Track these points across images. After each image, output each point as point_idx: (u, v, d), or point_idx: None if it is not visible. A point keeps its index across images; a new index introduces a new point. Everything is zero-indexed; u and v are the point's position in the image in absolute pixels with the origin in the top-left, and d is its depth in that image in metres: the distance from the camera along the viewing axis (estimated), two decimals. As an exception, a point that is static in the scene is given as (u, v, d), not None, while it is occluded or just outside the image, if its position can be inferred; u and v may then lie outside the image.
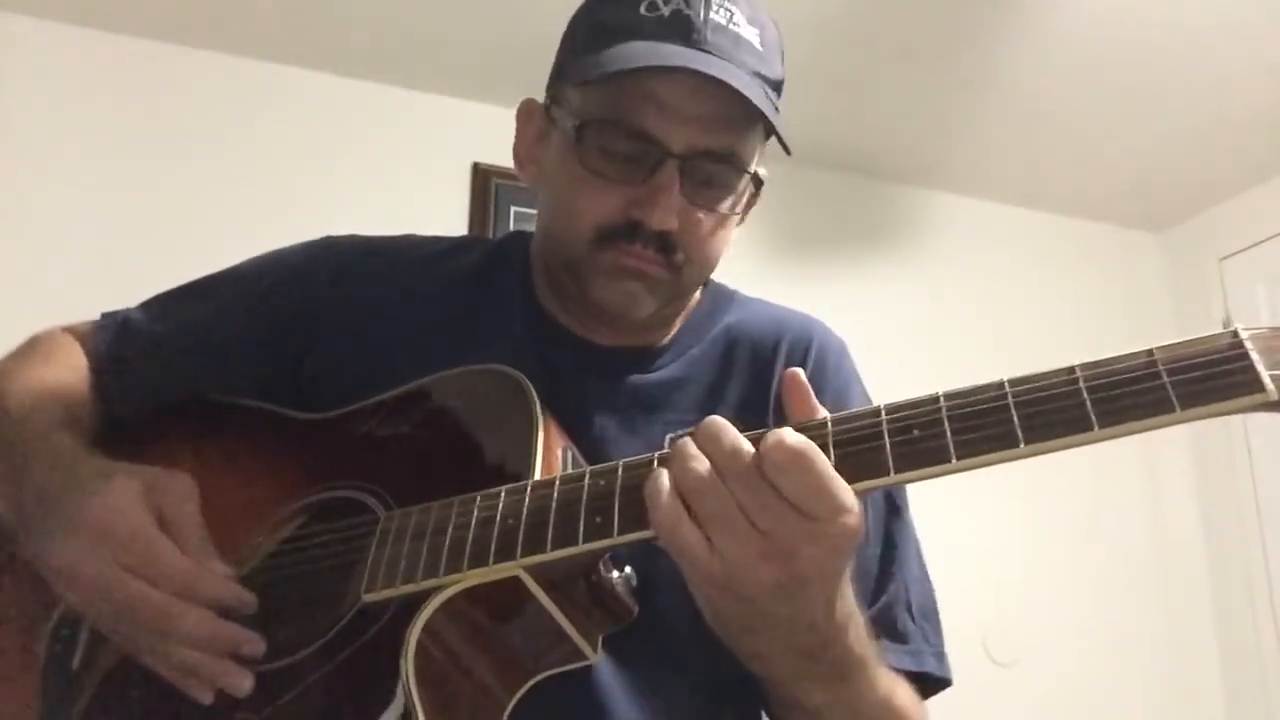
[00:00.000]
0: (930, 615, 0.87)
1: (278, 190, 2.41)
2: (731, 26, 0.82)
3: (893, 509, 0.89)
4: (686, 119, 0.80)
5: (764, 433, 0.59)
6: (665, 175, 0.80)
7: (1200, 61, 2.45)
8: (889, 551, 0.87)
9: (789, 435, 0.58)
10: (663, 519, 0.59)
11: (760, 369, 0.92)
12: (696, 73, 0.77)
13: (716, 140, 0.81)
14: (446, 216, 2.53)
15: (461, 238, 1.02)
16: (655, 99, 0.79)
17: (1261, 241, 2.97)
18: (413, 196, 2.51)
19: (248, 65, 2.47)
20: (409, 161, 2.55)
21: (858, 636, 0.66)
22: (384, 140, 2.54)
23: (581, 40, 0.85)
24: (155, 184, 2.34)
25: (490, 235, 2.53)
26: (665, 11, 0.81)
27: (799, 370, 0.65)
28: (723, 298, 0.98)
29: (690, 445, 0.60)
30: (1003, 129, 2.77)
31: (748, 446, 0.59)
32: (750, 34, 0.83)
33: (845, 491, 0.58)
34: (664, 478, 0.60)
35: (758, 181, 0.87)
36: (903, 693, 0.77)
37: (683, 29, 0.80)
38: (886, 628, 0.83)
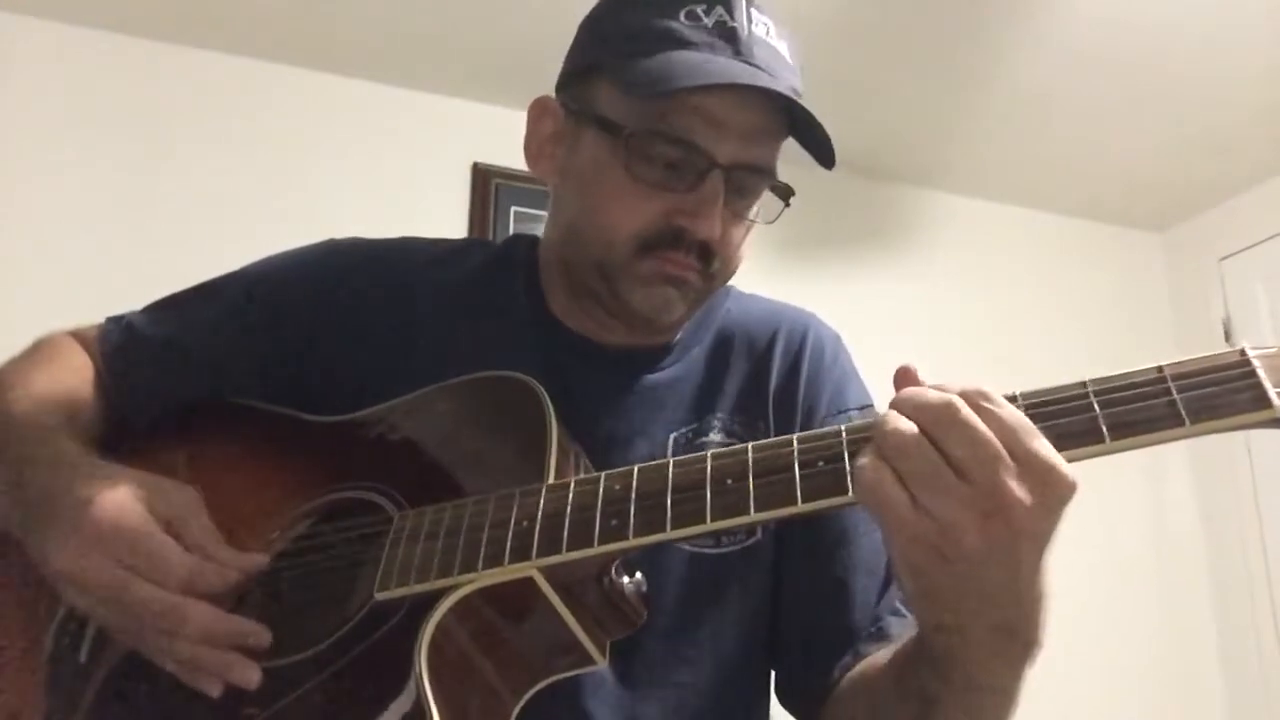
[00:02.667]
0: None
1: (278, 190, 2.41)
2: (769, 39, 0.83)
3: None
4: (732, 132, 0.80)
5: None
6: (712, 185, 0.81)
7: (1201, 62, 2.45)
8: None
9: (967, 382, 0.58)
10: (865, 480, 0.57)
11: (756, 363, 0.93)
12: (757, 90, 0.78)
13: (756, 153, 0.83)
14: (446, 216, 2.53)
15: (463, 240, 1.02)
16: (704, 111, 0.79)
17: (1261, 241, 2.98)
18: (413, 196, 2.51)
19: (248, 65, 2.47)
20: (409, 161, 2.54)
21: (1046, 619, 0.64)
22: (384, 140, 2.54)
23: (619, 45, 0.84)
24: (155, 184, 2.33)
25: (491, 235, 2.53)
26: (708, 22, 0.81)
27: (909, 366, 0.63)
28: (720, 294, 0.98)
29: (892, 413, 0.58)
30: (1003, 129, 2.77)
31: (946, 394, 0.57)
32: (782, 47, 0.84)
33: (1049, 443, 0.56)
34: (869, 448, 0.58)
35: (789, 192, 0.88)
36: None
37: (730, 41, 0.81)
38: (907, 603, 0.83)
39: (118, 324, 0.95)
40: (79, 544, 0.70)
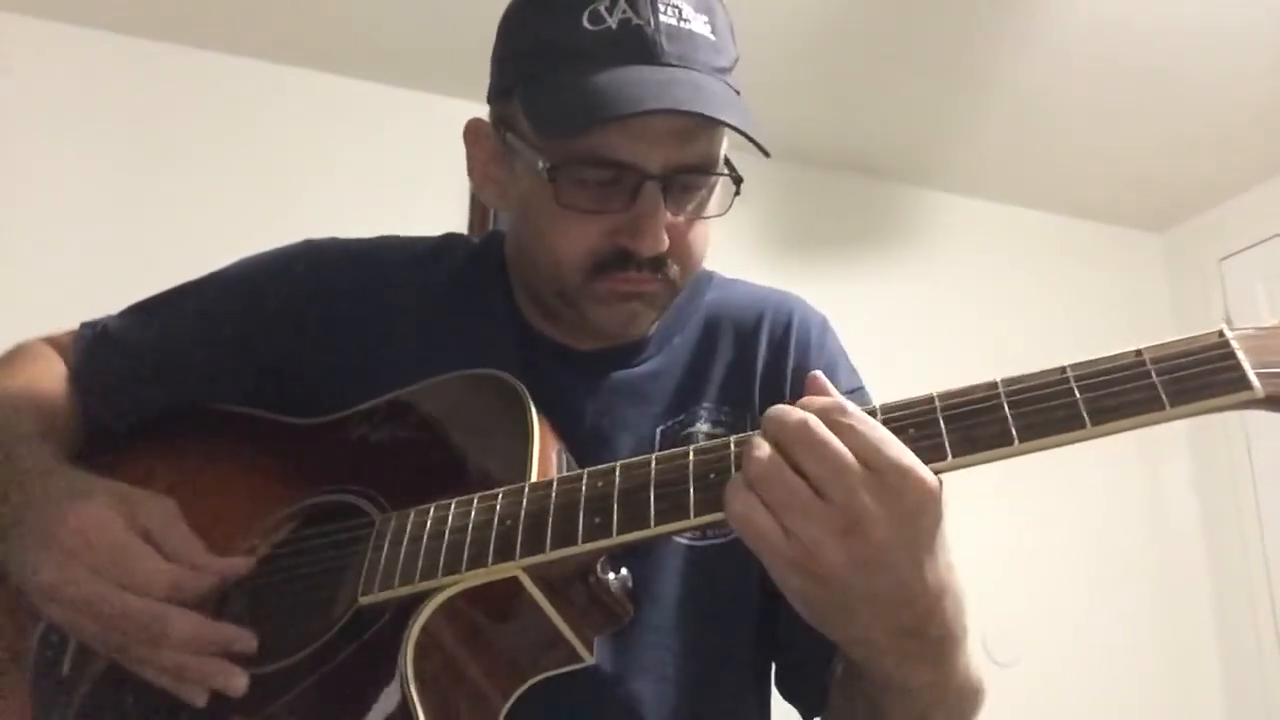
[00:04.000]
0: None
1: (277, 190, 2.41)
2: (683, 24, 0.78)
3: None
4: (658, 139, 0.76)
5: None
6: (648, 200, 0.77)
7: (1200, 62, 2.45)
8: None
9: (826, 397, 0.60)
10: (736, 512, 0.59)
11: (742, 349, 0.92)
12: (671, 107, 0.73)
13: (691, 152, 0.78)
14: (446, 216, 2.53)
15: (442, 238, 1.01)
16: (623, 127, 0.75)
17: (1261, 241, 2.97)
18: (412, 196, 2.51)
19: (248, 65, 2.47)
20: (409, 161, 2.54)
21: (956, 611, 0.64)
22: (384, 140, 2.54)
23: (527, 63, 0.81)
24: (154, 184, 2.34)
25: (491, 224, 2.53)
26: (612, 23, 0.76)
27: (819, 374, 0.65)
28: (700, 281, 0.97)
29: (754, 437, 0.60)
30: (1003, 129, 2.77)
31: (803, 412, 0.59)
32: (700, 25, 0.79)
33: (906, 450, 0.57)
34: (738, 477, 0.60)
35: (736, 179, 0.84)
36: (975, 665, 0.75)
37: (636, 44, 0.76)
38: None
39: (93, 329, 0.95)
40: (58, 557, 0.69)
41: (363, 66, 2.52)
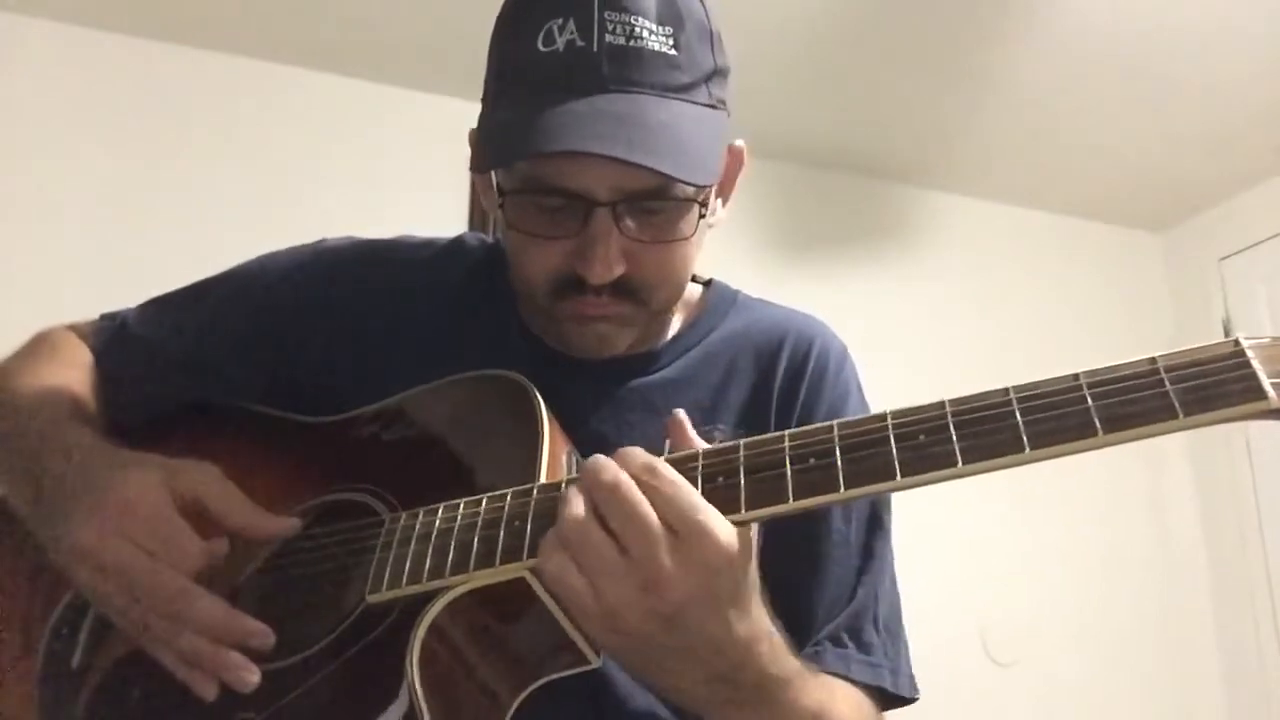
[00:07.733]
0: (894, 631, 0.87)
1: (277, 190, 2.41)
2: (633, 43, 0.75)
3: (875, 521, 0.88)
4: (600, 168, 0.73)
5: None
6: (598, 225, 0.76)
7: (1200, 62, 2.45)
8: (867, 562, 0.86)
9: (644, 454, 0.62)
10: (550, 573, 0.61)
11: (762, 372, 0.91)
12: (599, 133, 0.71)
13: (642, 177, 0.74)
14: (446, 216, 2.53)
15: (456, 238, 1.01)
16: (562, 156, 0.73)
17: (1261, 241, 2.98)
18: (412, 196, 2.51)
19: (248, 65, 2.47)
20: (408, 161, 2.54)
21: (773, 655, 0.66)
22: (383, 140, 2.54)
23: (492, 82, 0.81)
24: (154, 184, 2.34)
25: (490, 235, 2.52)
26: (560, 45, 0.75)
27: (680, 411, 0.68)
28: (724, 299, 0.97)
29: (571, 493, 0.62)
30: (1003, 129, 2.77)
31: (617, 471, 0.61)
32: (657, 41, 0.76)
33: (710, 511, 0.60)
34: (551, 535, 0.62)
35: (701, 202, 0.80)
36: (842, 707, 0.75)
37: (578, 70, 0.74)
38: (853, 634, 0.83)
39: (112, 321, 0.95)
40: (97, 523, 0.70)
41: (363, 66, 2.52)
